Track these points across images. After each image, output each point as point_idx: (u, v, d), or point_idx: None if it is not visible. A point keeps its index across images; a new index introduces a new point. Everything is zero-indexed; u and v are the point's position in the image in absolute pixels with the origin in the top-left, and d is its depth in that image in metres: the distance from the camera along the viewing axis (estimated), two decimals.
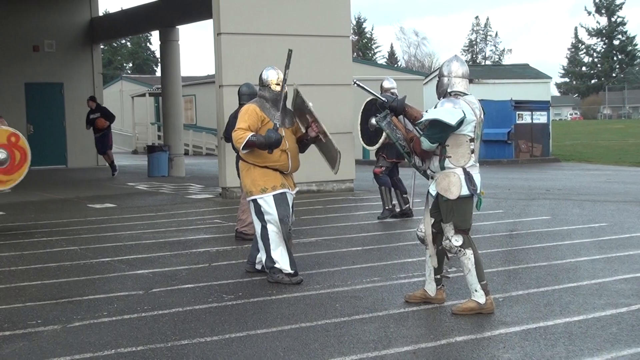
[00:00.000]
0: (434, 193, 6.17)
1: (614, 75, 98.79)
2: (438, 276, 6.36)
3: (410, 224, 10.80)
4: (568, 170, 21.58)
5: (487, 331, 5.61)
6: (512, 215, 11.43)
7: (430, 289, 6.37)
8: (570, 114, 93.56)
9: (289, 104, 7.57)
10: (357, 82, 7.06)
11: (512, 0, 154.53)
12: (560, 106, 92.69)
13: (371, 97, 11.10)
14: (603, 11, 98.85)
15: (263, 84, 7.48)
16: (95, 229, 10.98)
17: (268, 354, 5.18)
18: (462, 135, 6.02)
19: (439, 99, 6.21)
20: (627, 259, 8.22)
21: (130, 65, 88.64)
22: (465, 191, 6.03)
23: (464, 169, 6.05)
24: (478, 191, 6.10)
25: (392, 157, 11.36)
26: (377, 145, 11.13)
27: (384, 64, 77.20)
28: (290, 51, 7.34)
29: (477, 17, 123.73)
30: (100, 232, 10.70)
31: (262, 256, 7.40)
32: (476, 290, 6.04)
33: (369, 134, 11.21)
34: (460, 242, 6.07)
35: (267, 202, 7.21)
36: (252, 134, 7.12)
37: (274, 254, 7.24)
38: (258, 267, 7.69)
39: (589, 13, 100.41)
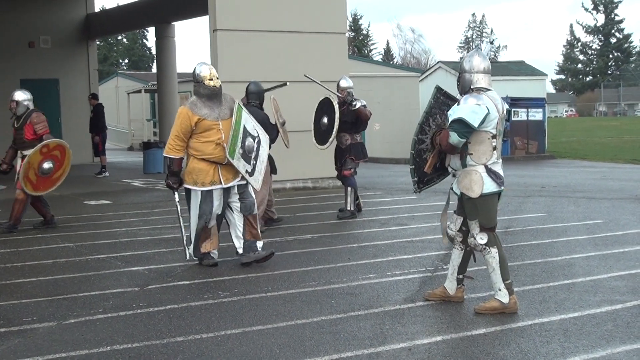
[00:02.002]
0: (458, 192, 6.10)
1: (609, 72, 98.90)
2: (460, 276, 6.33)
3: (404, 222, 10.80)
4: (563, 167, 21.60)
5: (483, 328, 5.62)
6: (508, 212, 11.44)
7: (451, 287, 6.32)
8: (565, 111, 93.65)
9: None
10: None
11: None
12: (555, 103, 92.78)
13: (325, 96, 11.23)
14: (600, 8, 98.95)
15: (196, 80, 7.79)
16: (90, 225, 10.98)
17: (264, 350, 5.18)
18: (484, 132, 5.91)
19: (460, 95, 6.10)
20: (622, 255, 8.24)
21: (126, 61, 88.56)
22: (487, 189, 5.94)
23: (486, 166, 5.96)
24: (504, 184, 6.03)
25: (359, 158, 11.28)
26: (327, 145, 11.07)
27: (380, 60, 77.26)
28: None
29: (473, 14, 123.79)
30: (96, 228, 10.69)
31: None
32: (500, 290, 5.98)
33: (321, 133, 11.20)
34: (485, 240, 6.01)
35: (195, 195, 7.78)
36: (175, 157, 7.78)
37: (192, 236, 7.95)
38: (240, 250, 7.95)
39: (586, 10, 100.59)
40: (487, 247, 6.02)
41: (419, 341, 5.33)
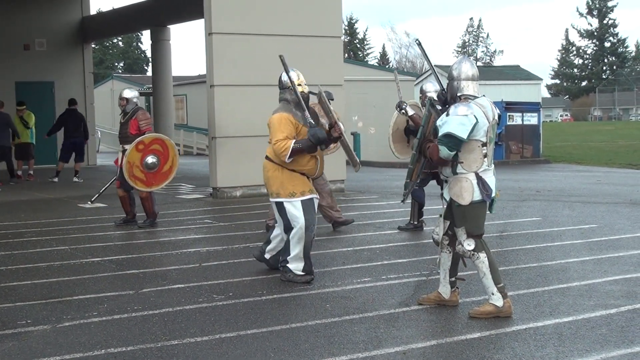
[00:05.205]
0: (447, 198, 6.11)
1: (604, 77, 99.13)
2: (452, 279, 6.33)
3: (399, 223, 10.79)
4: (558, 171, 21.64)
5: (477, 332, 5.62)
6: (503, 217, 11.45)
7: (445, 291, 6.33)
8: (560, 116, 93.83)
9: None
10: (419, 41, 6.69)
11: (516, 1, 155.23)
12: (550, 107, 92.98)
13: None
14: (595, 13, 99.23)
15: (284, 86, 7.40)
16: (85, 228, 10.96)
17: (258, 354, 5.18)
18: (474, 140, 5.92)
19: (450, 102, 6.11)
20: (617, 260, 8.25)
21: (122, 64, 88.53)
22: (477, 197, 5.96)
23: (477, 174, 5.97)
24: (492, 195, 6.03)
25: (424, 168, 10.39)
26: (393, 151, 10.37)
27: (375, 64, 77.31)
28: (281, 57, 7.27)
29: (471, 19, 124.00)
30: (91, 231, 10.67)
31: (285, 252, 7.32)
32: (493, 294, 5.97)
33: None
34: (472, 247, 6.02)
35: (295, 207, 7.17)
36: (294, 141, 7.09)
37: (289, 260, 7.25)
38: (267, 256, 7.74)
39: (581, 14, 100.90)
40: (476, 253, 6.02)
41: (414, 345, 5.33)
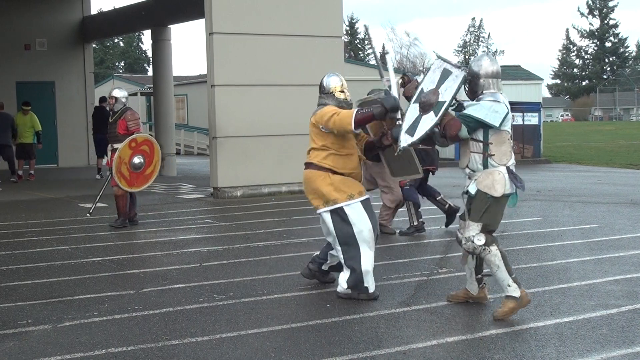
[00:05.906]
0: (473, 192, 6.01)
1: (605, 77, 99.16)
2: (479, 276, 6.32)
3: (400, 225, 10.79)
4: (559, 171, 21.64)
5: (478, 332, 5.62)
6: (503, 216, 11.42)
7: (472, 288, 6.34)
8: (561, 116, 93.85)
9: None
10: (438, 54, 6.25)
11: (517, 1, 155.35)
12: (551, 107, 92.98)
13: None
14: (596, 13, 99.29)
15: (325, 91, 6.87)
16: (85, 228, 10.96)
17: (259, 354, 5.18)
18: (504, 131, 5.91)
19: (471, 99, 6.05)
20: (618, 260, 8.25)
21: (122, 64, 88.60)
22: (508, 189, 5.94)
23: (507, 167, 5.95)
24: (523, 186, 6.01)
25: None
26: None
27: (375, 64, 77.19)
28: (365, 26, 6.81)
29: (473, 19, 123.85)
30: (91, 231, 10.67)
31: (343, 275, 6.66)
32: (509, 285, 5.92)
33: None
34: (482, 242, 5.97)
35: (356, 210, 6.57)
36: (358, 108, 6.47)
37: (364, 273, 6.52)
38: (325, 267, 7.14)
39: (582, 14, 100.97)
40: (487, 247, 5.99)
41: (414, 345, 5.33)
